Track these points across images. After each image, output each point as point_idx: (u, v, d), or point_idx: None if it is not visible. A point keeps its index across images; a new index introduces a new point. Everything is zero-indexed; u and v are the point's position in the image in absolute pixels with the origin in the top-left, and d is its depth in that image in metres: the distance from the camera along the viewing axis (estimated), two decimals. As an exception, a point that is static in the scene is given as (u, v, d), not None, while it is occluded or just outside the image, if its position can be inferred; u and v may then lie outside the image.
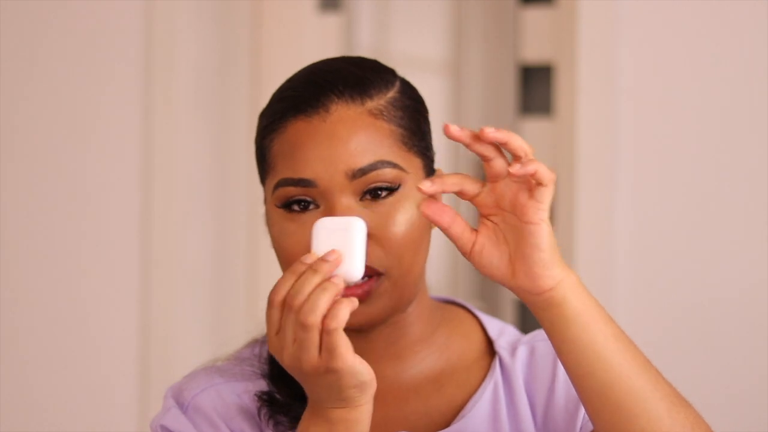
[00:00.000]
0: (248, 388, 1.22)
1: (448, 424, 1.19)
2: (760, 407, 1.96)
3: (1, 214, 2.42)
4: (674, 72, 2.03)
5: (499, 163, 1.06)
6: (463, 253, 1.07)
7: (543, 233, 1.04)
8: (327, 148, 1.15)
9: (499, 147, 1.06)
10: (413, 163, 1.19)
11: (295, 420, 1.17)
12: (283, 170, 1.17)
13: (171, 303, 2.36)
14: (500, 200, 1.06)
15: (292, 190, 1.16)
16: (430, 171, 1.22)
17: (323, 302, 1.03)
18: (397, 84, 1.21)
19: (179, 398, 1.22)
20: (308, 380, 1.06)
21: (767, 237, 1.97)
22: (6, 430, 2.38)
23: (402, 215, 1.15)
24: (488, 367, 1.23)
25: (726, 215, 2.00)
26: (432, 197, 1.07)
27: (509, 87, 2.37)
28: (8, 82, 2.42)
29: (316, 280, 1.05)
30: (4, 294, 2.41)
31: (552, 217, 1.07)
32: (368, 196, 1.15)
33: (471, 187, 1.07)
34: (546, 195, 1.04)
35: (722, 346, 2.00)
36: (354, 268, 1.07)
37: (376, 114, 1.17)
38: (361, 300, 1.12)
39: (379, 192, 1.15)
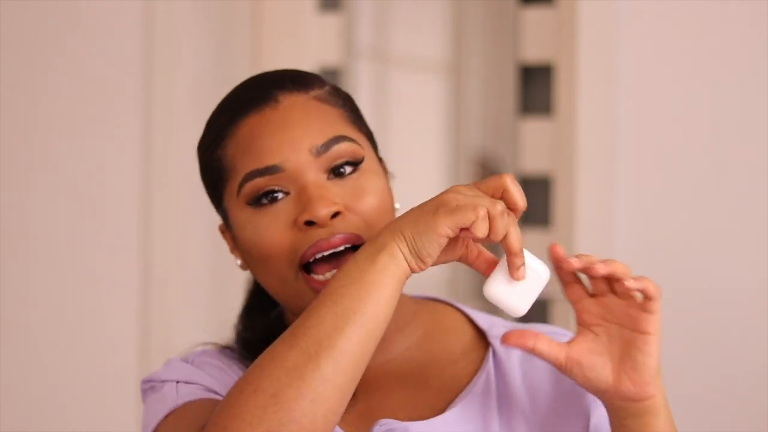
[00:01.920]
0: (234, 367, 1.23)
1: (435, 415, 1.19)
2: (760, 407, 1.96)
3: (2, 215, 2.42)
4: (674, 72, 2.04)
5: (601, 284, 1.10)
6: (558, 366, 1.10)
7: (657, 343, 1.08)
8: (286, 131, 1.17)
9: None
10: (365, 143, 1.22)
11: None
12: (245, 166, 1.17)
13: (171, 303, 2.36)
14: (607, 313, 1.09)
15: (260, 182, 1.16)
16: (379, 157, 1.25)
17: (515, 231, 1.06)
18: (329, 84, 1.25)
19: (185, 356, 1.25)
20: (424, 208, 1.07)
21: (767, 235, 1.97)
22: (6, 430, 2.38)
23: (371, 187, 1.18)
24: (480, 360, 1.24)
25: (726, 215, 2.00)
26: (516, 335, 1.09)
27: (509, 87, 2.37)
28: (8, 83, 2.42)
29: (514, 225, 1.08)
30: (5, 294, 2.41)
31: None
32: (333, 176, 1.17)
33: (579, 289, 1.11)
34: (659, 307, 1.07)
35: (723, 346, 2.00)
36: (521, 307, 1.09)
37: (321, 99, 1.21)
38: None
39: (343, 169, 1.17)
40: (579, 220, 2.08)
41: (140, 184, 2.36)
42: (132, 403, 2.32)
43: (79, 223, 2.40)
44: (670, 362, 2.04)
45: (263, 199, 1.17)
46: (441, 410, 1.20)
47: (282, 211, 1.16)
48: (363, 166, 1.18)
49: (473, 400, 1.20)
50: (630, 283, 1.06)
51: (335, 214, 1.14)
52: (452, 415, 1.19)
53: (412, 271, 1.07)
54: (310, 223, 1.14)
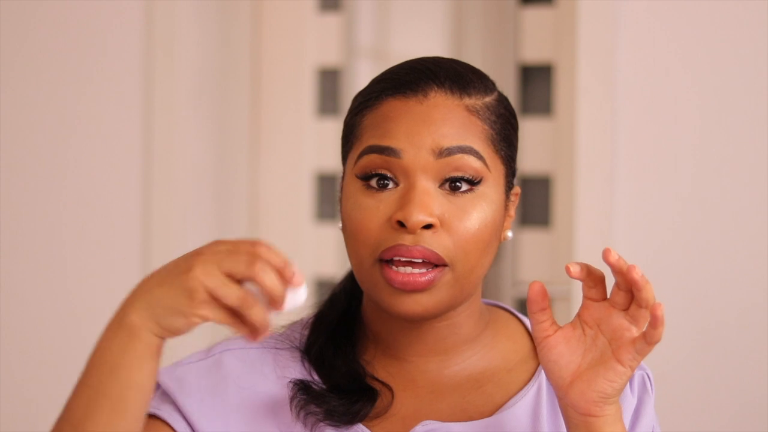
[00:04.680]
0: (278, 359, 1.22)
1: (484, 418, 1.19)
2: (760, 407, 1.96)
3: (2, 214, 2.42)
4: (673, 72, 2.04)
5: (622, 296, 1.08)
6: (535, 338, 1.10)
7: (625, 378, 1.07)
8: (418, 124, 1.15)
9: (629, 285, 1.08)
10: (497, 166, 1.19)
11: (329, 413, 1.17)
12: (370, 139, 1.17)
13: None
14: (603, 323, 1.09)
15: (375, 159, 1.16)
16: (510, 183, 1.22)
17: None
18: (496, 93, 1.22)
19: (212, 347, 1.26)
20: (176, 266, 1.07)
21: (767, 235, 1.97)
22: (6, 430, 2.38)
23: (477, 213, 1.16)
24: (533, 371, 1.24)
25: (725, 215, 2.00)
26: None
27: (509, 87, 2.36)
28: (8, 82, 2.42)
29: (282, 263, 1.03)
30: (5, 293, 2.42)
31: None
32: (447, 186, 1.16)
33: (597, 292, 1.10)
34: (648, 351, 1.06)
35: (723, 346, 2.00)
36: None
37: (471, 110, 1.18)
38: (423, 289, 1.13)
39: (459, 184, 1.15)
40: (579, 220, 2.08)
41: (141, 183, 2.37)
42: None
43: (80, 222, 2.40)
44: (671, 362, 2.04)
45: (373, 180, 1.16)
46: (489, 413, 1.20)
47: (384, 202, 1.15)
48: (480, 188, 1.16)
49: (522, 408, 1.20)
50: (650, 305, 1.05)
51: (428, 226, 1.13)
52: (497, 420, 1.18)
53: (167, 337, 1.05)
54: (401, 224, 1.13)
